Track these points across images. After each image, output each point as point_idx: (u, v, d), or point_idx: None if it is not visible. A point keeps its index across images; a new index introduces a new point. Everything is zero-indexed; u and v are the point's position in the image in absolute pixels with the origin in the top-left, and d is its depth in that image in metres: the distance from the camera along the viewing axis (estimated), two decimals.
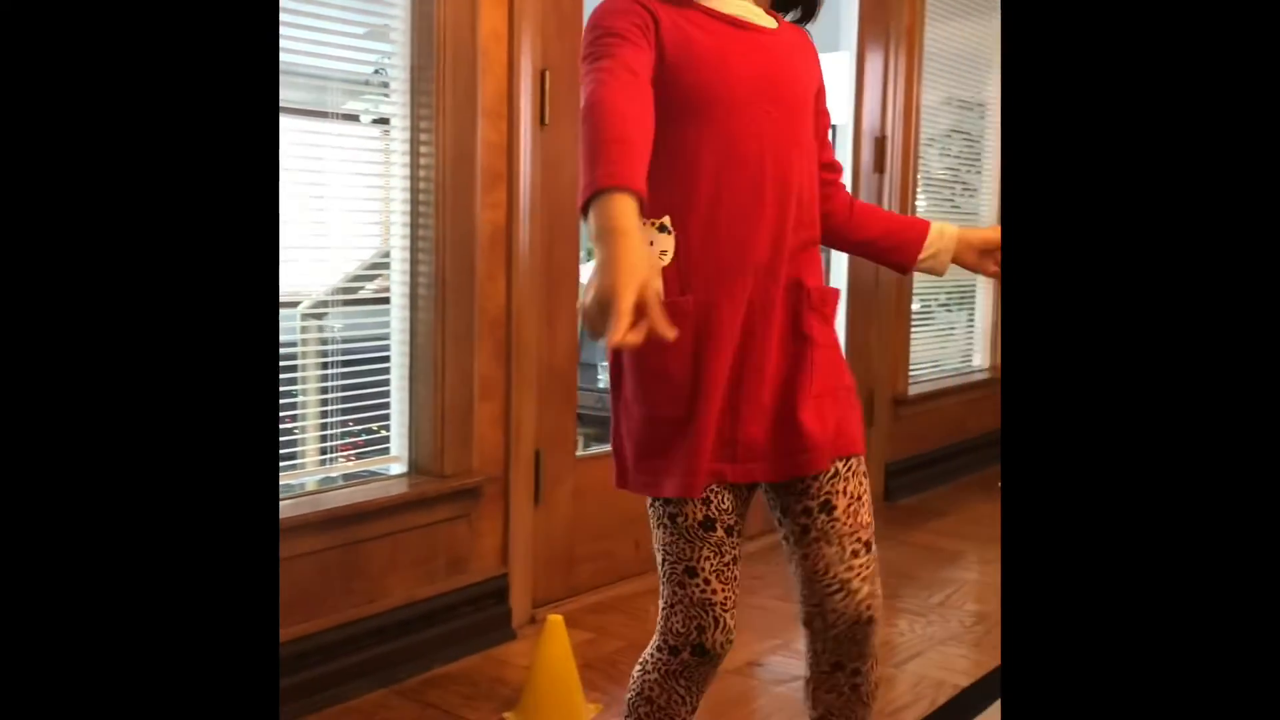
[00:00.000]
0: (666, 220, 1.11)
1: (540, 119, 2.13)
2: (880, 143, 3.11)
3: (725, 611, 1.16)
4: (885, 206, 3.15)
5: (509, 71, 2.05)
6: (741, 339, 1.12)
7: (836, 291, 1.23)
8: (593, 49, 1.08)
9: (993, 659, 2.05)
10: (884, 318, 3.21)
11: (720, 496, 1.16)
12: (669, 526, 1.16)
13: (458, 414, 2.04)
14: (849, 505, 1.17)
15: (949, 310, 3.89)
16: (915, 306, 3.50)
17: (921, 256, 1.30)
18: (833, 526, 1.17)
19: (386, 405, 2.05)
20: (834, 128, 3.14)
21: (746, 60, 1.15)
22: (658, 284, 0.92)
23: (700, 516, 1.16)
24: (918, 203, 3.32)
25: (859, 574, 1.17)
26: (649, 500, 1.18)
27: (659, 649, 1.19)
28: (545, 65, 2.13)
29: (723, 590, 1.16)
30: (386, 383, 2.05)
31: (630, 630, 2.17)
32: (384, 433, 2.07)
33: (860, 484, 1.19)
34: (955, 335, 3.89)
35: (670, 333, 0.90)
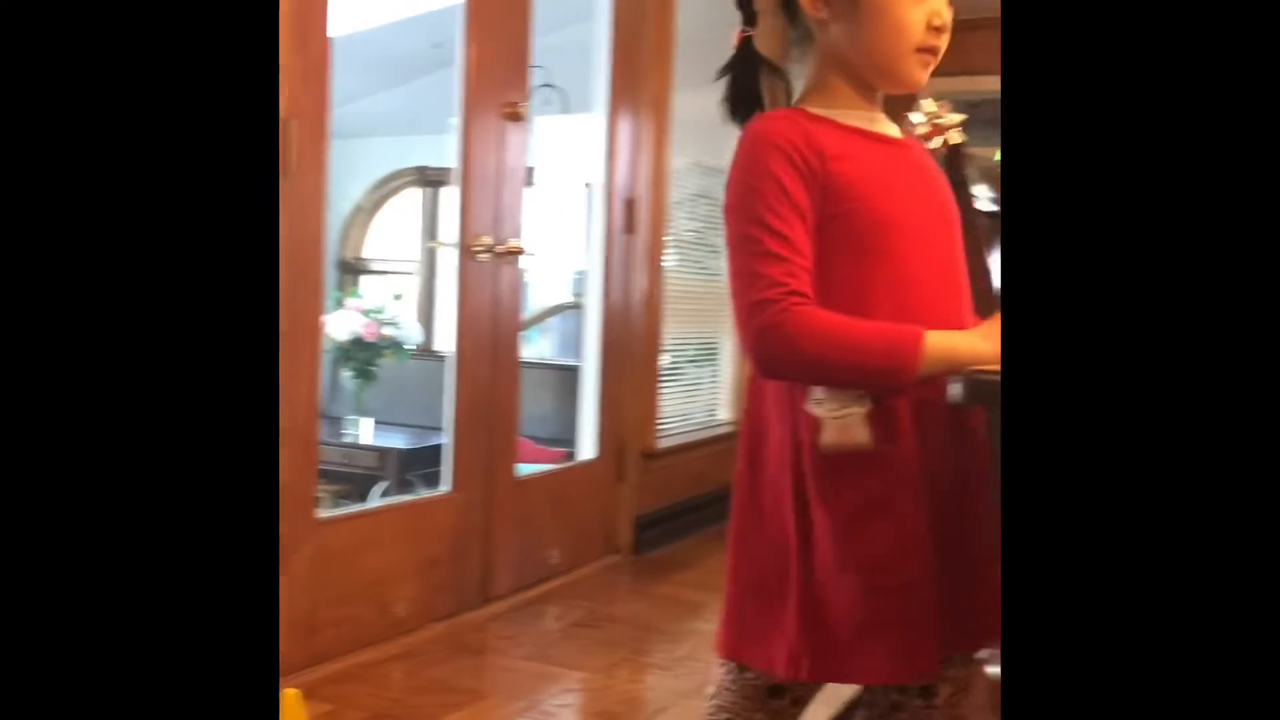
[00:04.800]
0: None
1: (284, 169, 2.05)
2: (631, 205, 3.20)
3: None
4: (636, 267, 3.23)
5: None
6: (933, 492, 1.01)
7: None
8: (746, 234, 1.01)
9: None
10: (635, 374, 3.29)
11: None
12: (733, 677, 1.11)
13: None
14: (952, 694, 1.07)
15: (697, 366, 4.03)
16: (666, 361, 3.60)
17: None
18: (928, 715, 1.08)
19: None
20: (588, 186, 3.20)
21: (909, 182, 1.08)
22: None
23: (769, 682, 1.09)
24: (665, 262, 3.42)
25: None
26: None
27: None
28: (289, 114, 2.05)
29: None
30: None
31: (373, 700, 2.08)
32: None
33: (973, 672, 1.09)
34: (702, 390, 4.03)
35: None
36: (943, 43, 1.06)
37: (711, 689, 1.15)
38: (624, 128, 3.15)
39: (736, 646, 1.10)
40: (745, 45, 1.13)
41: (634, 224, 3.21)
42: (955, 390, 0.83)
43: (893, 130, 1.12)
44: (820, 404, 1.02)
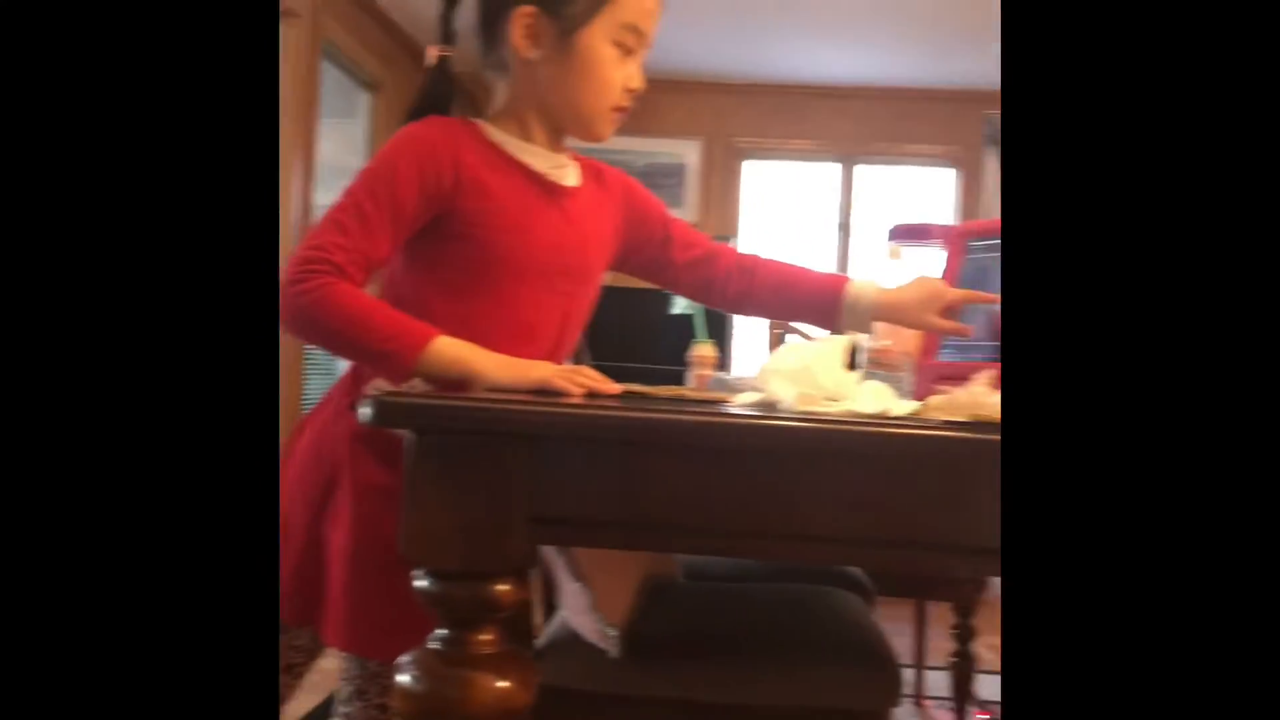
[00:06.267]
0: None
1: None
2: None
3: None
4: None
5: None
6: None
7: None
8: (337, 199, 1.01)
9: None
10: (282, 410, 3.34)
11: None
12: None
13: None
14: None
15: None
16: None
17: (840, 323, 1.22)
18: None
19: None
20: None
21: (546, 229, 1.08)
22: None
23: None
24: None
25: None
26: None
27: None
28: None
29: None
30: None
31: None
32: None
33: None
34: None
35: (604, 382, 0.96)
36: (631, 104, 1.11)
37: None
38: None
39: None
40: (442, 65, 1.12)
41: None
42: (364, 411, 0.76)
43: (569, 176, 1.13)
44: (378, 385, 1.04)
